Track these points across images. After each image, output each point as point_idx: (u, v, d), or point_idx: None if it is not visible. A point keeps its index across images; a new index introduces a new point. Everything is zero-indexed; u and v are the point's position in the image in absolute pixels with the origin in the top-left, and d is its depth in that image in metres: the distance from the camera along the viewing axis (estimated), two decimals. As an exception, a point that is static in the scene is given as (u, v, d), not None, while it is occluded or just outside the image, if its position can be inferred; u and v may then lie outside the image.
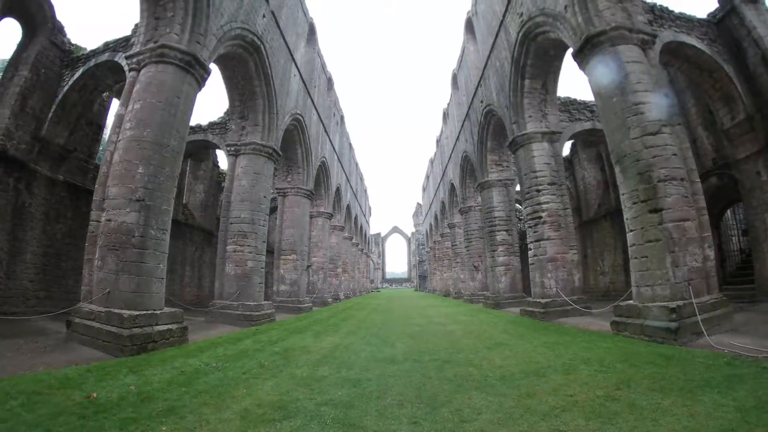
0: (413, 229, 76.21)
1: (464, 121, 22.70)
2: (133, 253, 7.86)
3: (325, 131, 23.32)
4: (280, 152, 14.78)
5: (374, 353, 7.00)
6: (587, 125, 16.71)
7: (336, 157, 26.96)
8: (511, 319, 11.87)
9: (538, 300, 11.95)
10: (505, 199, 18.32)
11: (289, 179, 18.72)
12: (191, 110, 9.81)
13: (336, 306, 21.04)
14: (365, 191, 49.17)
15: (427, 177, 46.54)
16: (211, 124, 17.24)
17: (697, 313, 6.98)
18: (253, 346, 7.94)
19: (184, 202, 20.69)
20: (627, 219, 8.33)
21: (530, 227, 12.84)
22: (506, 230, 17.69)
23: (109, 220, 8.03)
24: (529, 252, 12.86)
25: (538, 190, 12.84)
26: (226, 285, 12.40)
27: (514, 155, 14.34)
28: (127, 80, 9.40)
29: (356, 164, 39.84)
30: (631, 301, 8.06)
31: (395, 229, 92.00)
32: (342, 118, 30.69)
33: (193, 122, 19.89)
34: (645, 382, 4.65)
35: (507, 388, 4.62)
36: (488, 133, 18.44)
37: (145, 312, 7.63)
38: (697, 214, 7.93)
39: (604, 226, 19.23)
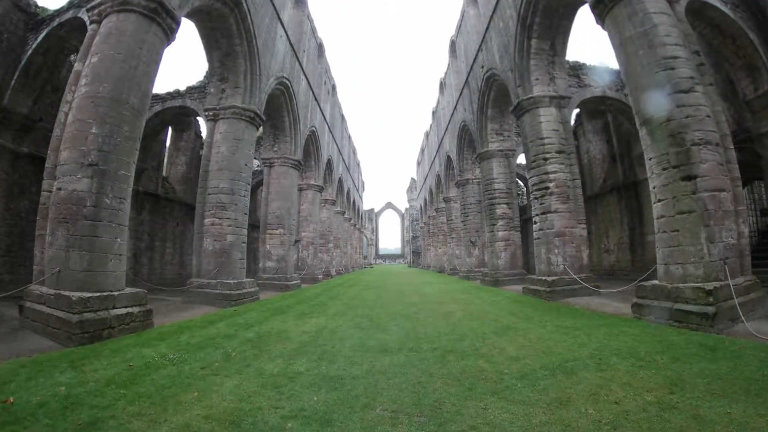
0: (407, 205, 75.20)
1: (463, 89, 21.37)
2: (85, 226, 6.75)
3: (315, 99, 21.91)
4: (263, 117, 13.51)
5: (363, 340, 6.02)
6: (597, 92, 15.53)
7: (327, 127, 25.58)
8: (514, 298, 10.96)
9: (543, 278, 11.03)
10: (505, 170, 17.24)
11: (275, 149, 17.46)
12: (157, 64, 8.56)
13: (326, 283, 20.09)
14: (358, 165, 47.76)
15: (422, 150, 45.22)
16: (190, 89, 15.83)
17: (734, 297, 6.05)
18: (225, 330, 6.93)
19: (164, 175, 19.41)
20: (654, 188, 7.30)
21: (536, 199, 11.82)
22: (507, 203, 16.69)
23: (60, 189, 6.93)
24: (534, 226, 11.88)
25: (545, 159, 11.76)
26: (204, 262, 11.34)
27: (518, 121, 13.19)
28: (87, 34, 8.23)
29: (349, 137, 38.40)
30: (656, 281, 7.10)
31: (389, 205, 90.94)
32: (333, 87, 29.15)
33: (170, 87, 18.71)
34: (700, 382, 3.70)
35: (531, 391, 3.64)
36: (489, 100, 17.22)
37: (99, 294, 6.58)
38: (731, 185, 6.92)
39: (609, 201, 18.25)
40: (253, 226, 18.39)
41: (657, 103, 7.13)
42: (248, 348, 5.60)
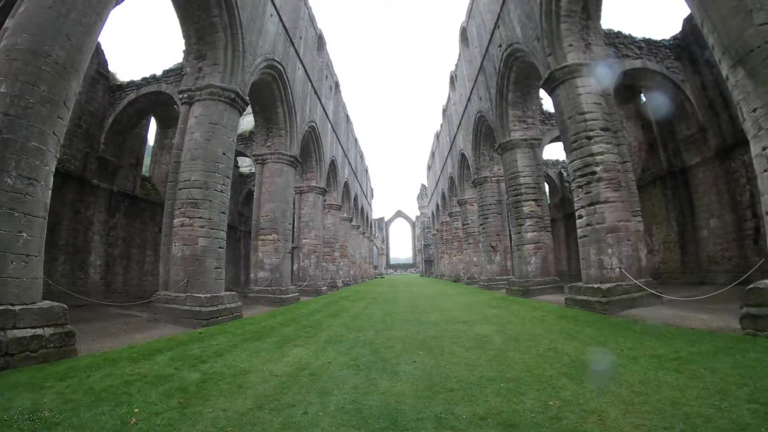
0: (418, 213, 72.84)
1: (477, 76, 19.19)
2: (-34, 216, 4.72)
3: (315, 93, 19.89)
4: (247, 99, 11.44)
5: (358, 395, 3.75)
6: (637, 63, 13.26)
7: (330, 125, 23.52)
8: (559, 313, 8.60)
9: (594, 285, 8.68)
10: (531, 162, 14.97)
11: (268, 144, 15.39)
12: (99, 15, 6.64)
13: (330, 296, 17.78)
14: (366, 171, 45.62)
15: (432, 154, 42.98)
16: (167, 73, 13.86)
17: None
18: (161, 368, 4.73)
19: (148, 175, 17.46)
20: (758, 153, 5.06)
21: (579, 187, 9.53)
22: (535, 200, 14.38)
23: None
24: (579, 221, 9.58)
25: (589, 137, 9.52)
26: (172, 271, 9.21)
27: (551, 96, 10.94)
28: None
29: (355, 140, 36.36)
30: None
31: (399, 214, 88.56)
32: (337, 84, 27.15)
33: (146, 72, 16.83)
34: None
35: None
36: (509, 83, 15.03)
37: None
38: None
39: (651, 194, 15.79)
40: (245, 232, 16.32)
41: (755, 32, 4.96)
42: (169, 408, 3.40)
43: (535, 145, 15.33)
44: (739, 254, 11.82)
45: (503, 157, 15.60)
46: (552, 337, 5.97)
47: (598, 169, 9.23)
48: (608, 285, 8.38)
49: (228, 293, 9.71)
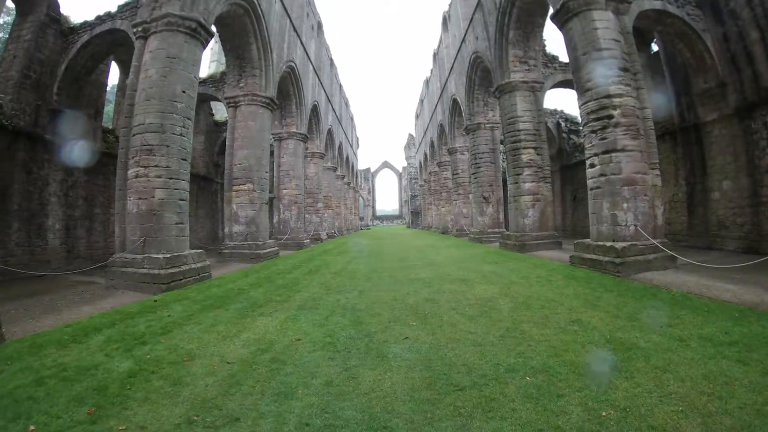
0: (405, 164, 71.22)
1: (474, 14, 17.40)
2: None
3: (295, 31, 17.91)
4: (211, 29, 9.79)
5: (331, 398, 2.75)
6: (657, 4, 11.79)
7: (312, 68, 21.59)
8: (567, 273, 7.70)
9: (607, 243, 7.77)
10: (532, 107, 13.71)
11: (241, 85, 13.76)
12: None
13: (312, 249, 16.73)
14: (351, 119, 43.54)
15: (421, 101, 41.00)
16: (122, 8, 11.85)
17: None
18: (88, 356, 3.70)
19: (111, 127, 15.71)
20: None
21: (593, 132, 8.40)
22: (534, 148, 13.26)
23: None
24: (590, 171, 8.54)
25: (606, 76, 8.31)
26: (128, 230, 8.02)
27: (563, 29, 9.52)
28: None
29: (340, 85, 34.20)
30: None
31: (386, 164, 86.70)
32: (320, 24, 24.87)
33: (100, 10, 14.72)
34: None
35: None
36: (511, 20, 13.46)
37: None
38: None
39: (661, 149, 13.94)
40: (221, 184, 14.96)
41: None
42: (72, 423, 2.44)
43: (536, 89, 14.01)
44: (752, 221, 10.97)
45: (501, 100, 14.28)
46: (569, 304, 5.05)
47: (615, 113, 8.08)
48: (623, 244, 7.47)
49: (194, 251, 8.60)
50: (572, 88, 10.36)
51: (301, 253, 14.91)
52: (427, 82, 35.94)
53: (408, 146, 64.87)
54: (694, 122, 13.19)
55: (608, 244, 7.68)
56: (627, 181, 7.82)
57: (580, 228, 18.89)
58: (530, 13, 13.06)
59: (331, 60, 29.27)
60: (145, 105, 8.31)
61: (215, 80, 16.62)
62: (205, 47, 9.84)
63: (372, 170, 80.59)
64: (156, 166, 8.04)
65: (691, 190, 13.34)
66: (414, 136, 57.97)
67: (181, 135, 8.54)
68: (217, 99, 17.09)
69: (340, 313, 5.11)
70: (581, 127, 8.98)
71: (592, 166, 8.39)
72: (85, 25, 12.59)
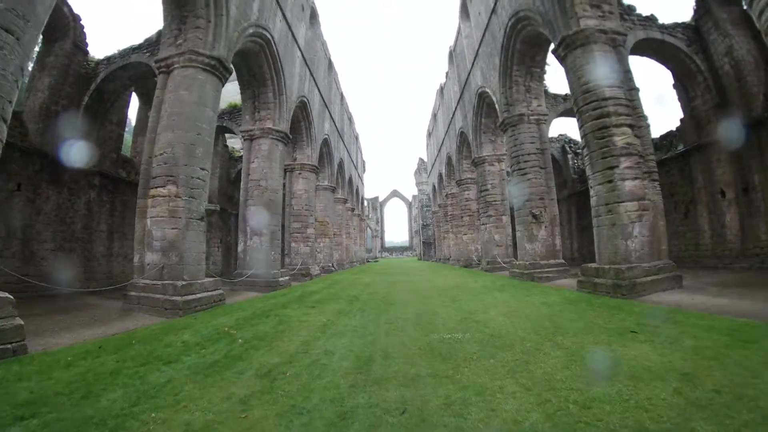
0: (415, 191, 66.33)
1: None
2: None
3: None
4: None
5: None
6: None
7: (299, 51, 16.82)
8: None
9: None
10: (618, 67, 8.80)
11: (179, 42, 8.95)
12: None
13: (286, 292, 10.87)
14: (356, 138, 38.88)
15: (434, 115, 36.35)
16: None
17: None
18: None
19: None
20: None
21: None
22: (630, 125, 8.24)
23: None
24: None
25: None
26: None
27: None
28: None
29: (342, 95, 29.73)
30: None
31: (395, 193, 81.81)
32: (313, 10, 20.51)
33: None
34: None
35: None
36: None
37: None
38: None
39: None
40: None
41: None
42: None
43: (618, 43, 9.14)
44: None
45: (567, 61, 9.35)
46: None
47: None
48: None
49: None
50: None
51: (259, 300, 9.38)
52: (440, 91, 31.44)
53: (419, 171, 60.28)
54: None
55: None
56: None
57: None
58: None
59: (330, 60, 24.85)
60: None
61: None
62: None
63: (380, 199, 75.98)
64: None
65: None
66: (425, 160, 53.50)
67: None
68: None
69: None
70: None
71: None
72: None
